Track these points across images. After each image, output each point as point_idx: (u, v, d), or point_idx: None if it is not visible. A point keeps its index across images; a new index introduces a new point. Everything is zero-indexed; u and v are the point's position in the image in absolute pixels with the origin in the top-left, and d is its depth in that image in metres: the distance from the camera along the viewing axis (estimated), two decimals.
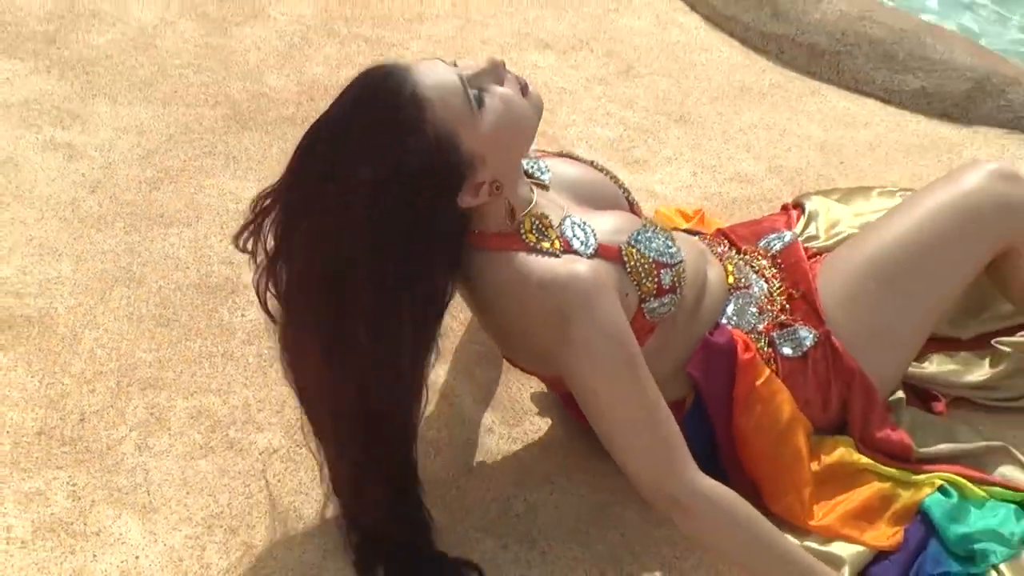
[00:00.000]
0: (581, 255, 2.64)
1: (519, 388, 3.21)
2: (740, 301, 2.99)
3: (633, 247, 2.72)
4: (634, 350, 2.58)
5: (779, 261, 3.14)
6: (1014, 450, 3.12)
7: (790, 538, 2.70)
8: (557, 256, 2.61)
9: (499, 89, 2.57)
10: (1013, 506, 2.93)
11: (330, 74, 4.41)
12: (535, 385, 3.21)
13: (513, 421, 3.13)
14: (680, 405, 2.89)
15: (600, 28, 4.96)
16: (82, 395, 3.07)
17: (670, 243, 2.78)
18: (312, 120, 3.80)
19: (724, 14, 5.05)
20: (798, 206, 3.45)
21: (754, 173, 4.20)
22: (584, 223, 2.72)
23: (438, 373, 3.16)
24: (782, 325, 3.00)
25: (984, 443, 3.13)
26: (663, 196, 4.00)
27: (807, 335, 2.99)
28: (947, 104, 4.64)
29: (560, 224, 2.69)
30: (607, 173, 3.02)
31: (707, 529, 2.59)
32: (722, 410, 2.88)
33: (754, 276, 3.08)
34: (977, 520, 2.88)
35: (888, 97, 4.69)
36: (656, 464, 2.56)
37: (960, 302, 3.29)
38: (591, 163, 3.04)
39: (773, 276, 3.10)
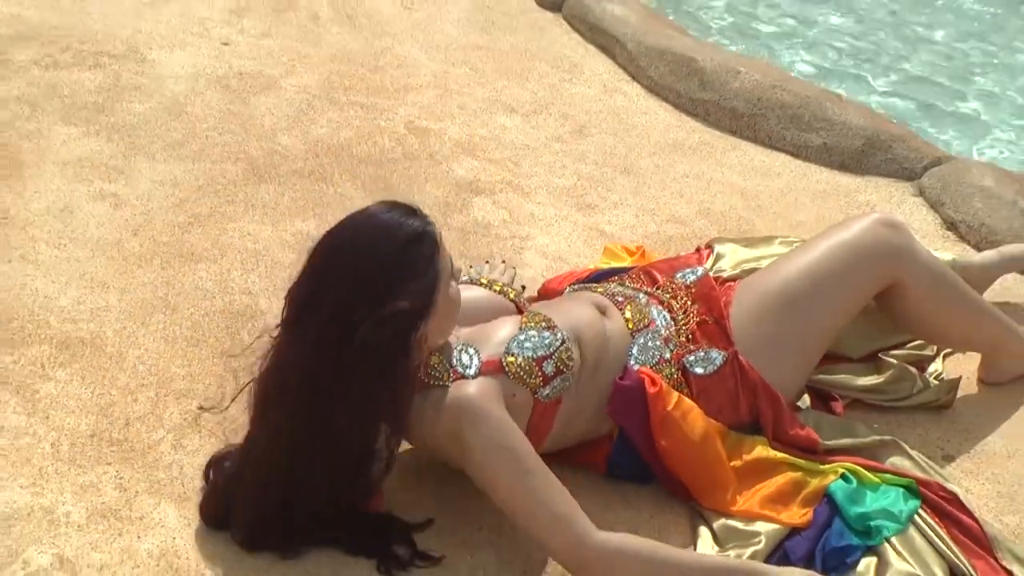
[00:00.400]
0: (468, 378, 2.68)
1: None
2: (643, 339, 3.00)
3: (511, 355, 2.76)
4: (522, 449, 2.62)
5: (692, 291, 3.16)
6: (902, 443, 3.14)
7: (687, 551, 2.79)
8: (447, 386, 2.66)
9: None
10: (901, 490, 2.95)
11: (332, 134, 4.41)
12: None
13: None
14: (608, 439, 2.96)
15: (556, 95, 4.97)
16: (127, 404, 3.07)
17: (546, 334, 2.81)
18: (316, 173, 3.81)
19: (660, 84, 5.05)
20: (709, 247, 3.47)
21: (686, 215, 4.20)
22: (470, 347, 2.76)
23: None
24: (691, 348, 3.02)
25: (877, 437, 3.14)
26: (611, 235, 4.00)
27: (717, 356, 3.02)
28: (844, 157, 4.66)
29: (453, 354, 2.73)
30: (488, 284, 3.11)
31: (620, 572, 2.60)
32: (643, 437, 2.90)
33: (656, 311, 3.08)
34: (872, 502, 2.90)
35: (796, 152, 4.70)
36: (563, 537, 2.58)
37: (851, 326, 3.31)
38: (473, 280, 3.13)
39: (682, 306, 3.12)
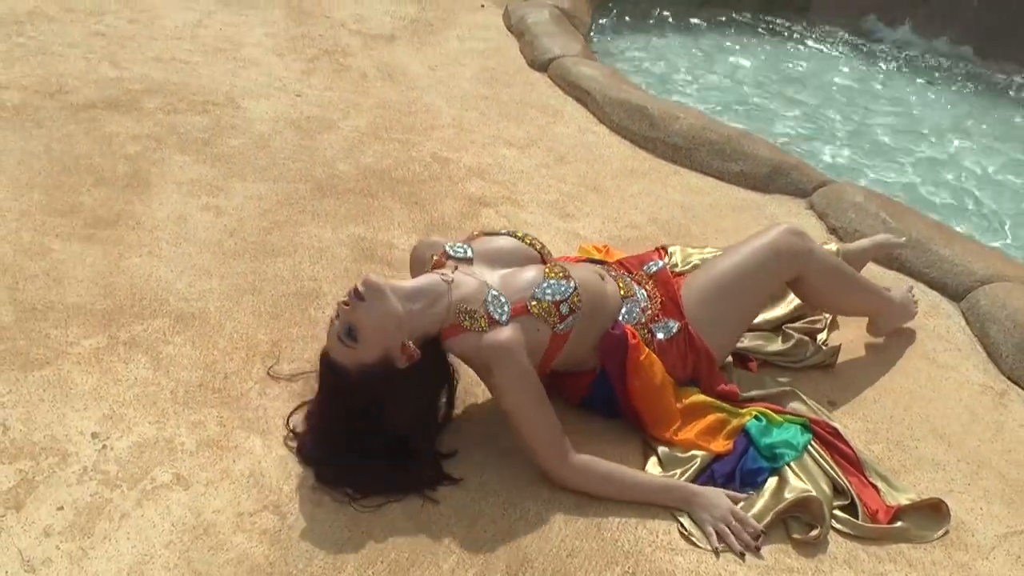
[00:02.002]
0: (500, 323, 2.69)
1: None
2: (629, 305, 3.01)
3: (535, 299, 2.77)
4: (535, 386, 2.68)
5: (653, 279, 3.16)
6: (799, 392, 3.15)
7: (635, 471, 2.80)
8: (485, 331, 2.68)
9: (353, 315, 2.57)
10: (798, 426, 2.96)
11: (377, 162, 4.39)
12: None
13: None
14: (592, 373, 2.96)
15: (543, 133, 4.95)
16: (225, 362, 3.07)
17: (563, 283, 2.82)
18: (365, 191, 3.79)
19: (620, 125, 5.03)
20: (663, 248, 3.47)
21: (640, 222, 4.19)
22: (500, 295, 2.75)
23: None
24: (657, 319, 3.01)
25: (780, 388, 3.16)
26: (584, 237, 3.99)
27: (674, 325, 3.02)
28: (756, 181, 4.64)
29: (484, 302, 2.73)
30: (521, 238, 3.02)
31: (586, 484, 2.72)
32: (620, 375, 2.91)
33: (637, 288, 3.09)
34: (777, 435, 2.92)
35: (721, 176, 4.68)
36: (552, 457, 2.69)
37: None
38: (510, 233, 3.04)
39: (651, 289, 3.11)
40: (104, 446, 2.70)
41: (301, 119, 4.73)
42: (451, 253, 2.90)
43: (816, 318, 3.51)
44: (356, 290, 2.57)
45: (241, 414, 2.87)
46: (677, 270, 3.28)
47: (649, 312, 3.04)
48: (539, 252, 3.00)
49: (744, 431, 2.94)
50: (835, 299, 3.36)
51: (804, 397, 3.15)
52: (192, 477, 2.64)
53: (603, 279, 3.02)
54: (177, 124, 4.50)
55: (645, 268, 3.23)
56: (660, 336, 3.01)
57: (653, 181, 4.60)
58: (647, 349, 2.93)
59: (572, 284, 2.83)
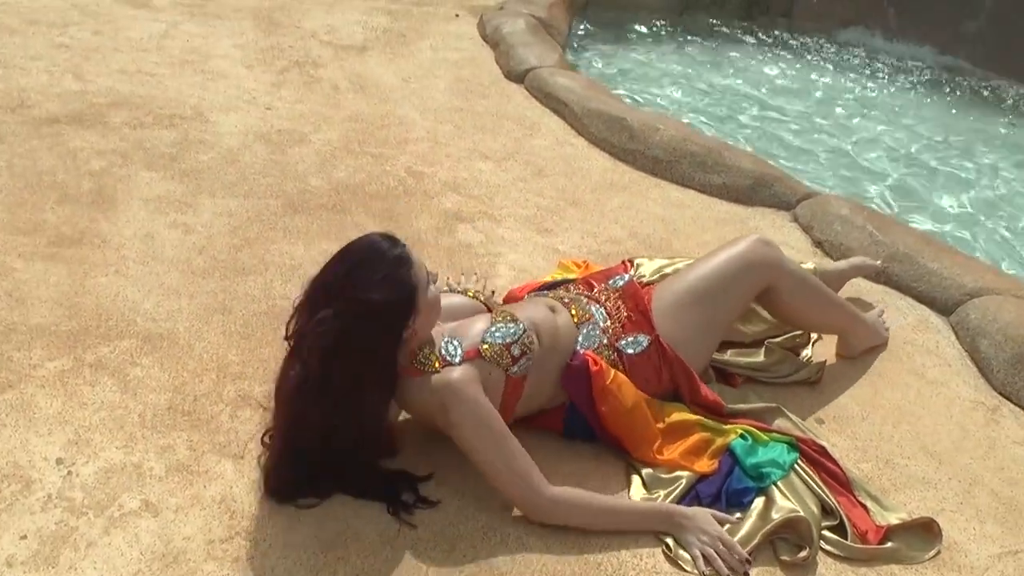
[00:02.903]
0: (453, 364, 2.70)
1: None
2: (586, 330, 3.02)
3: (485, 344, 2.78)
4: (493, 422, 2.66)
5: (620, 292, 3.16)
6: (784, 409, 3.16)
7: (617, 498, 2.82)
8: (438, 371, 2.67)
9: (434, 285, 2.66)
10: (785, 445, 2.96)
11: (350, 177, 4.39)
12: None
13: None
14: (563, 408, 2.98)
15: (520, 146, 4.96)
16: (195, 384, 3.06)
17: (510, 326, 2.85)
18: (338, 206, 3.80)
19: (598, 137, 5.05)
20: (631, 261, 3.47)
21: (620, 236, 4.19)
22: (454, 339, 2.77)
23: None
24: (621, 335, 3.04)
25: (765, 404, 3.16)
26: (563, 252, 3.99)
27: (644, 339, 3.04)
28: (738, 193, 4.66)
29: (441, 345, 2.74)
30: (463, 291, 3.13)
31: (565, 518, 2.69)
32: (588, 404, 2.92)
33: (595, 309, 3.10)
34: (763, 454, 2.92)
35: (703, 189, 4.69)
36: (522, 490, 2.66)
37: (740, 318, 3.39)
38: (452, 288, 3.17)
39: (614, 305, 3.12)
40: (69, 472, 2.68)
41: (271, 133, 4.72)
42: None
43: (799, 333, 3.52)
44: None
45: (212, 438, 2.85)
46: (645, 280, 3.30)
47: (611, 331, 3.04)
48: (484, 303, 3.06)
49: (729, 450, 2.94)
50: (805, 313, 3.38)
51: (790, 414, 3.16)
52: (161, 503, 2.62)
53: (555, 311, 3.04)
54: (144, 139, 4.48)
55: (611, 282, 3.24)
56: (630, 351, 3.02)
57: (633, 194, 4.61)
58: (613, 371, 2.93)
59: (520, 326, 2.86)
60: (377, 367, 2.61)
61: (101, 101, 4.78)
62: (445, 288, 3.14)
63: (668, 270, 3.36)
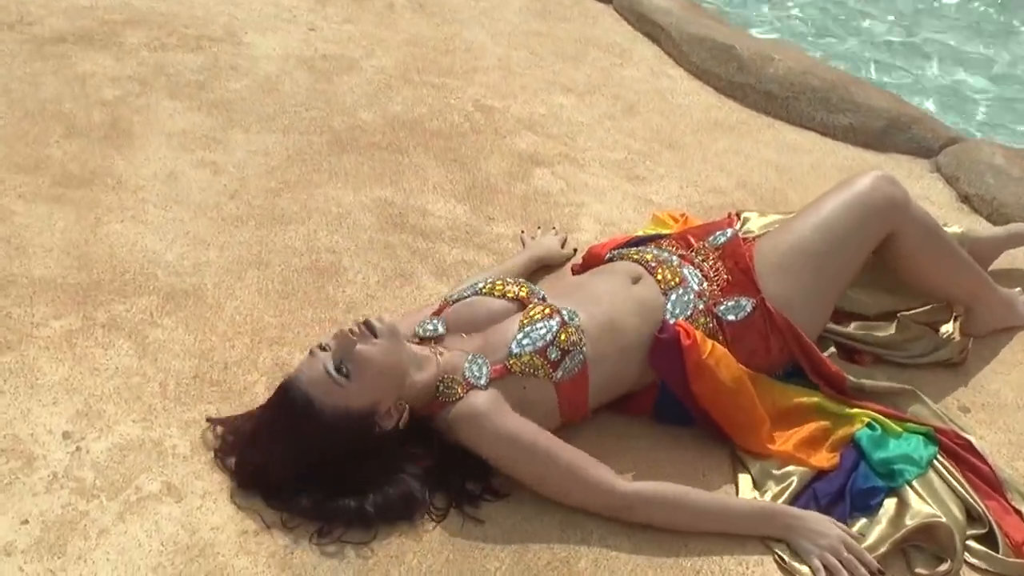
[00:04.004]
0: (479, 387, 2.71)
1: None
2: (676, 296, 2.99)
3: (513, 357, 2.78)
4: (532, 438, 2.68)
5: (721, 251, 3.13)
6: (921, 394, 3.11)
7: (715, 494, 2.80)
8: (462, 398, 2.69)
9: (357, 349, 2.59)
10: (921, 437, 2.93)
11: (407, 111, 4.39)
12: None
13: None
14: (654, 388, 2.96)
15: (608, 77, 4.93)
16: (225, 349, 3.07)
17: (542, 325, 2.84)
18: (393, 145, 3.81)
19: (701, 68, 5.00)
20: (736, 214, 3.44)
21: (726, 187, 4.16)
22: (478, 357, 2.79)
23: None
24: (720, 300, 3.01)
25: (899, 385, 3.13)
26: (658, 204, 3.97)
27: (746, 303, 3.01)
28: (868, 136, 4.61)
29: (465, 367, 2.76)
30: (489, 291, 3.02)
31: (649, 516, 2.69)
32: (682, 384, 2.89)
33: (687, 271, 3.07)
34: (895, 448, 2.89)
35: (825, 131, 4.65)
36: (596, 496, 2.68)
37: (862, 286, 3.35)
38: (477, 292, 3.03)
39: (712, 266, 3.10)
40: (78, 448, 2.71)
41: (315, 58, 4.73)
42: (421, 334, 2.92)
43: (939, 306, 3.45)
44: (369, 323, 2.63)
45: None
46: (751, 236, 3.28)
47: (708, 294, 3.02)
48: (516, 299, 2.99)
49: (853, 442, 2.91)
50: (929, 273, 3.29)
51: (928, 400, 3.12)
52: (186, 487, 2.64)
53: (637, 281, 3.03)
54: (165, 63, 4.50)
55: (711, 239, 3.20)
56: (731, 318, 2.99)
57: (742, 136, 4.58)
58: (710, 343, 2.89)
59: (556, 320, 2.83)
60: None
61: (116, 18, 4.80)
62: (468, 292, 3.07)
63: (777, 222, 3.33)
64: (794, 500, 2.80)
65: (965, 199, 4.25)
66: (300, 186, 3.83)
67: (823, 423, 2.94)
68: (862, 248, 3.16)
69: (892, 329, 3.33)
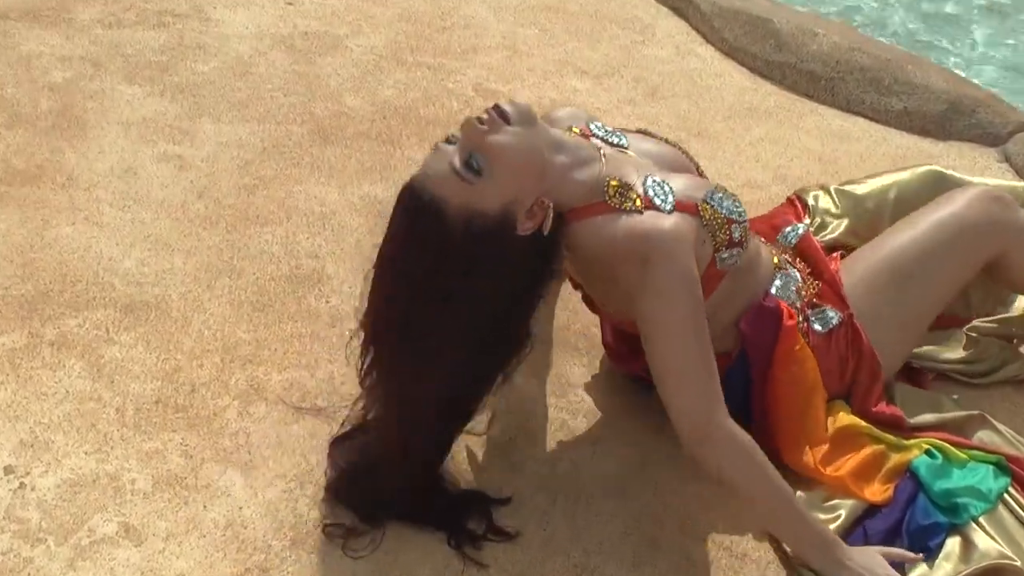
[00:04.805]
0: (661, 211, 2.63)
1: (565, 364, 3.19)
2: (784, 279, 2.98)
3: (708, 204, 2.70)
4: (699, 301, 2.60)
5: (796, 252, 3.14)
6: (990, 417, 3.10)
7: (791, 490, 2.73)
8: (640, 213, 2.61)
9: (488, 140, 2.49)
10: (990, 467, 2.91)
11: (399, 96, 4.39)
12: (579, 364, 3.21)
13: (559, 393, 3.11)
14: (727, 357, 2.87)
15: (629, 57, 4.93)
16: (192, 369, 3.06)
17: (738, 204, 2.77)
18: (383, 135, 3.79)
19: (734, 45, 5.01)
20: (800, 201, 3.41)
21: (762, 180, 4.16)
22: (663, 182, 2.70)
23: None
24: (814, 305, 2.99)
25: (963, 412, 3.11)
26: None
27: (834, 315, 2.99)
28: (926, 122, 4.60)
29: (642, 183, 2.68)
30: (679, 148, 3.00)
31: (729, 465, 2.62)
32: (763, 364, 2.88)
33: (789, 264, 3.06)
34: (959, 478, 2.87)
35: (876, 116, 4.65)
36: (700, 404, 2.59)
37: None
38: (664, 140, 3.01)
39: (803, 268, 3.09)
40: (22, 484, 2.70)
41: (295, 36, 4.73)
42: (597, 132, 2.86)
43: (1011, 316, 3.43)
44: (500, 108, 2.52)
45: (214, 441, 2.86)
46: (837, 239, 3.28)
47: (805, 295, 3.01)
48: (699, 172, 2.98)
49: (910, 471, 2.89)
50: None
51: (998, 425, 3.10)
52: (146, 528, 2.63)
53: (757, 237, 3.02)
54: (123, 42, 4.50)
55: (781, 238, 3.20)
56: (818, 327, 2.97)
57: (780, 123, 4.58)
58: (802, 339, 2.90)
59: (744, 210, 2.80)
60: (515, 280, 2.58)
61: None
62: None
63: (861, 211, 3.33)
64: (842, 537, 2.75)
65: None
66: (278, 182, 3.83)
67: (878, 448, 2.92)
68: (962, 276, 3.16)
69: (958, 346, 3.32)
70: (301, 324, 3.25)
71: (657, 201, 2.64)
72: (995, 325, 3.39)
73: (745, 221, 2.77)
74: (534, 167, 2.54)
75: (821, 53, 4.81)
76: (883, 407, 3.02)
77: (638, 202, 2.63)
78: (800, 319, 2.93)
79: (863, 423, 2.96)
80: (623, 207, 2.62)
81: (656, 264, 2.55)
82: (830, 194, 3.40)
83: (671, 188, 2.69)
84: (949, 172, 3.42)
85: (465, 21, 5.04)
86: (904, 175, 3.39)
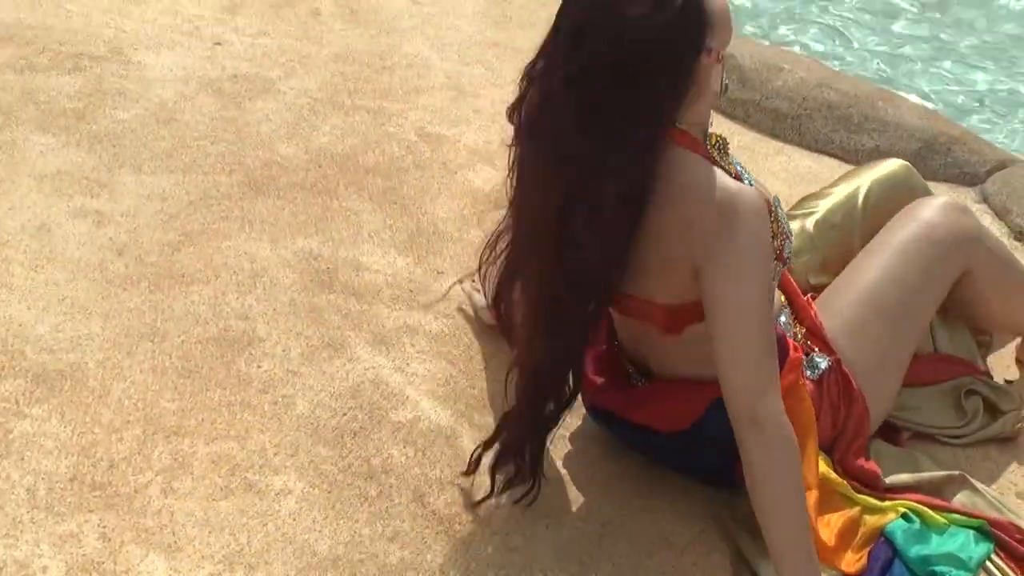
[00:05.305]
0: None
1: None
2: (786, 316, 3.05)
3: (777, 208, 2.80)
4: (771, 281, 2.71)
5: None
6: (971, 478, 3.11)
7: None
8: (731, 176, 2.68)
9: None
10: (971, 531, 2.92)
11: (336, 142, 4.38)
12: None
13: None
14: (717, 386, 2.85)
15: None
16: (111, 443, 3.04)
17: (789, 223, 2.89)
18: (319, 185, 3.79)
19: None
20: None
21: None
22: (744, 170, 2.81)
23: (440, 415, 3.16)
24: (805, 350, 3.02)
25: (943, 472, 3.13)
26: None
27: (822, 361, 3.03)
28: None
29: (730, 156, 2.80)
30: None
31: (769, 455, 2.64)
32: None
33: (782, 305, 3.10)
34: (938, 544, 2.89)
35: (846, 156, 4.69)
36: (758, 381, 2.64)
37: None
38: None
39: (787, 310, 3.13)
40: None
41: (223, 79, 4.72)
42: None
43: (1005, 388, 3.45)
44: None
45: (136, 521, 2.84)
46: (804, 263, 3.34)
47: (799, 337, 3.05)
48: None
49: (885, 536, 2.91)
50: (1001, 306, 3.36)
51: (979, 485, 3.12)
52: None
53: None
54: (36, 88, 4.49)
55: None
56: (807, 374, 3.00)
57: (746, 165, 4.52)
58: (802, 380, 2.92)
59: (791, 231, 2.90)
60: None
61: None
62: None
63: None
64: None
65: (1020, 235, 4.30)
66: (205, 238, 3.81)
67: (851, 512, 2.94)
68: (939, 294, 3.22)
69: (950, 410, 3.35)
70: (230, 391, 3.23)
71: (744, 178, 2.73)
72: (988, 389, 3.40)
73: (791, 241, 2.85)
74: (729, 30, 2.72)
75: (787, 89, 4.84)
76: (863, 462, 3.04)
77: (730, 168, 2.72)
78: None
79: (839, 479, 2.98)
80: (720, 162, 2.71)
81: (744, 220, 2.60)
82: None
83: (749, 177, 2.79)
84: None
85: (407, 60, 5.05)
86: (871, 174, 3.44)
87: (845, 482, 2.98)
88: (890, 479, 3.05)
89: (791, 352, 2.89)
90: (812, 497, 2.86)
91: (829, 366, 3.01)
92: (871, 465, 3.05)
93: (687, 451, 2.96)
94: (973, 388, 3.34)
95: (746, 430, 2.63)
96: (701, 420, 2.92)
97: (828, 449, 3.03)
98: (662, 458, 3.04)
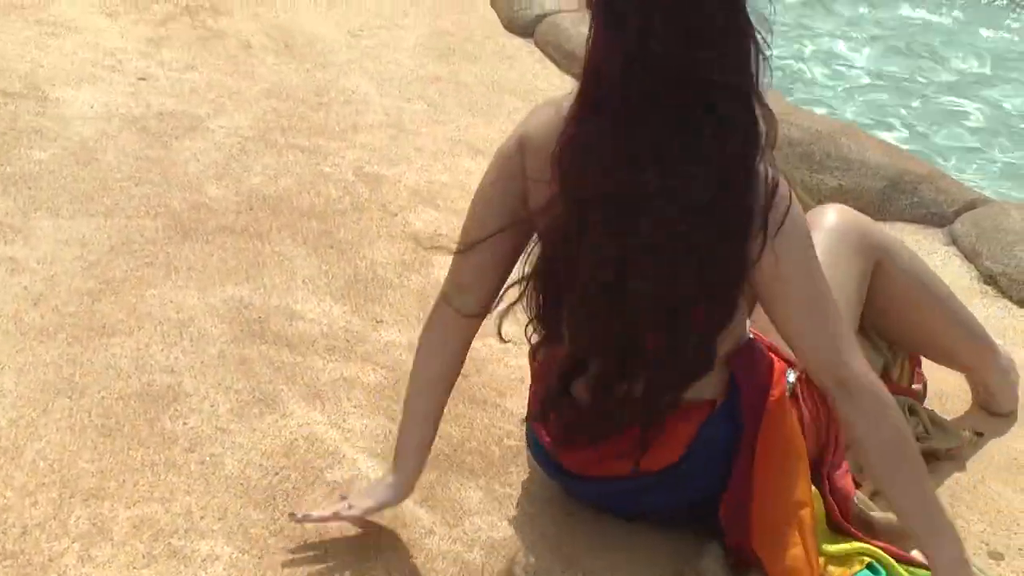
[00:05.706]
0: None
1: (459, 488, 3.16)
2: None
3: None
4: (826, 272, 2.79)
5: None
6: None
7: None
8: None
9: None
10: None
11: (268, 183, 4.38)
12: (476, 487, 3.19)
13: (452, 522, 3.07)
14: (709, 405, 2.90)
15: None
16: (24, 508, 2.99)
17: None
18: (250, 229, 3.78)
19: None
20: None
21: None
22: None
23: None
24: None
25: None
26: None
27: (791, 374, 3.02)
28: (863, 201, 4.65)
29: None
30: None
31: (862, 413, 2.73)
32: (755, 409, 2.89)
33: None
34: None
35: (809, 194, 4.68)
36: (839, 347, 2.73)
37: None
38: None
39: None
40: None
41: (148, 116, 4.72)
42: None
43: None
44: None
45: None
46: None
47: None
48: None
49: None
50: (911, 321, 3.45)
51: None
52: None
53: None
54: None
55: None
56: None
57: None
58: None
59: None
60: None
61: None
62: None
63: None
64: None
65: (990, 279, 4.31)
66: (127, 286, 3.80)
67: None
68: (861, 287, 3.31)
69: None
70: (154, 450, 3.19)
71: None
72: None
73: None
74: None
75: None
76: (841, 474, 3.08)
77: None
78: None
79: (819, 511, 2.98)
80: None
81: (796, 206, 2.69)
82: None
83: None
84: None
85: (344, 96, 5.06)
86: None
87: (824, 514, 2.99)
88: (860, 504, 3.08)
89: (776, 363, 2.92)
90: (808, 516, 2.88)
91: (797, 377, 3.01)
92: (848, 483, 3.09)
93: (680, 482, 2.94)
94: (913, 408, 3.41)
95: (837, 390, 2.74)
96: (690, 448, 2.91)
97: (818, 462, 3.03)
98: (643, 502, 3.02)
